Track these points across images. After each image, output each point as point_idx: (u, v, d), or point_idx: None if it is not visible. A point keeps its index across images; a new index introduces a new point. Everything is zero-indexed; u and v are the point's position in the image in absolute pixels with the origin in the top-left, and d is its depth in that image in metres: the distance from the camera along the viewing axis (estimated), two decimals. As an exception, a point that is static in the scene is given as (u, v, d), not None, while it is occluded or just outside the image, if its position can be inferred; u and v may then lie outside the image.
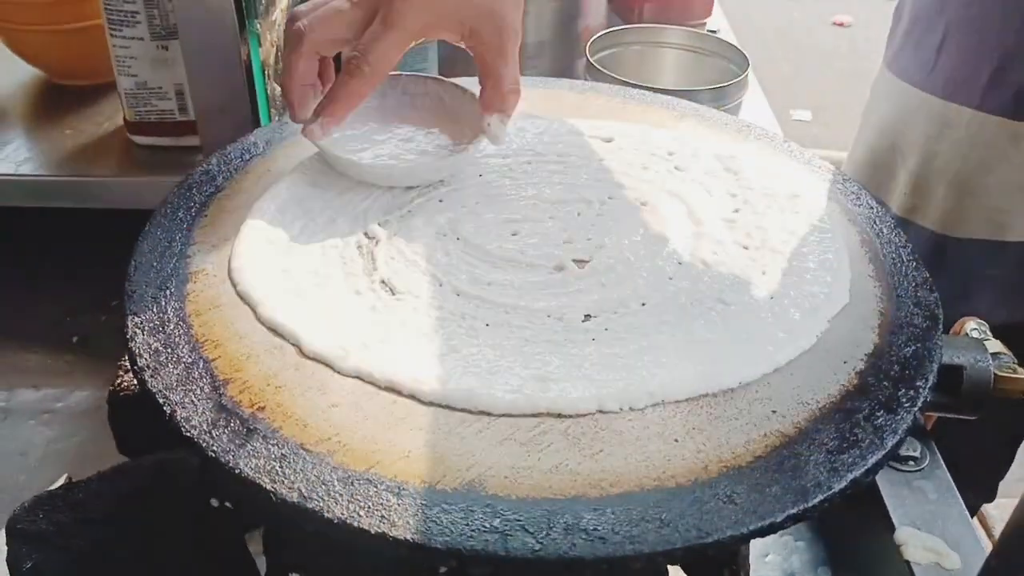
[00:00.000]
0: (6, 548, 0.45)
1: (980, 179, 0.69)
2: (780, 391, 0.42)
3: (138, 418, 0.53)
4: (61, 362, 0.73)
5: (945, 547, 0.45)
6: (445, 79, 0.59)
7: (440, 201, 0.53)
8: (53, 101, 0.91)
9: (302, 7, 0.52)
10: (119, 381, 0.58)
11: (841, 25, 3.55)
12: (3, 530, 0.45)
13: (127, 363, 0.59)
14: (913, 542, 0.46)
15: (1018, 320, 0.53)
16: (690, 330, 0.44)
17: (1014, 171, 0.68)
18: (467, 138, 0.56)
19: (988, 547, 0.44)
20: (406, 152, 0.56)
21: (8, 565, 0.45)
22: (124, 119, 0.84)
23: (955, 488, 0.49)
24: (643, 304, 0.46)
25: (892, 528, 0.47)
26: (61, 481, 0.51)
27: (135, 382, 0.57)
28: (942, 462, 0.51)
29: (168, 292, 0.46)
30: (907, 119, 0.74)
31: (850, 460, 0.37)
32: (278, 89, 0.76)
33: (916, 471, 0.50)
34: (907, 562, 0.45)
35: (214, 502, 0.47)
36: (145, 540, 0.46)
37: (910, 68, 0.74)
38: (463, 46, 0.53)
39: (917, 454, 0.50)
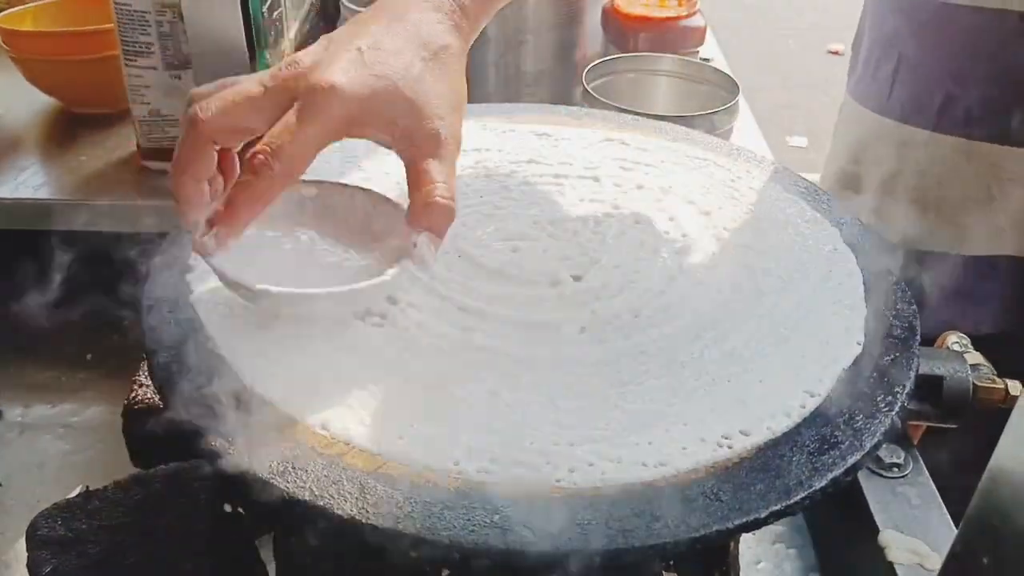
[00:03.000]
0: (26, 553, 0.47)
1: (939, 193, 0.72)
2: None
3: (152, 430, 0.55)
4: (76, 379, 0.75)
5: (927, 549, 0.47)
6: (375, 192, 0.50)
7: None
8: (68, 129, 0.94)
9: (205, 87, 0.44)
10: (133, 395, 0.60)
11: (836, 53, 3.60)
12: (23, 536, 0.47)
13: (141, 378, 0.61)
14: (896, 544, 0.48)
15: (982, 332, 0.55)
16: (688, 372, 0.45)
17: (969, 186, 0.71)
18: (391, 262, 0.46)
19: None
20: (322, 275, 0.46)
21: (28, 569, 0.46)
22: (137, 145, 0.86)
23: (937, 494, 0.51)
24: (636, 316, 0.48)
25: (877, 533, 0.49)
26: (78, 490, 0.53)
27: (149, 396, 0.60)
28: (925, 469, 0.53)
29: (182, 304, 0.48)
30: (870, 143, 0.78)
31: (830, 461, 0.40)
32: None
33: (900, 477, 0.52)
34: (891, 564, 0.47)
35: (227, 508, 0.49)
36: (159, 546, 0.48)
37: (869, 96, 0.78)
38: (393, 149, 0.46)
39: (901, 461, 0.52)
